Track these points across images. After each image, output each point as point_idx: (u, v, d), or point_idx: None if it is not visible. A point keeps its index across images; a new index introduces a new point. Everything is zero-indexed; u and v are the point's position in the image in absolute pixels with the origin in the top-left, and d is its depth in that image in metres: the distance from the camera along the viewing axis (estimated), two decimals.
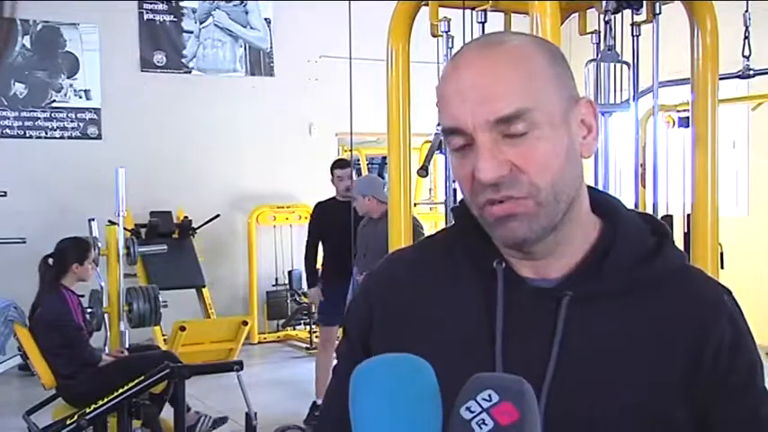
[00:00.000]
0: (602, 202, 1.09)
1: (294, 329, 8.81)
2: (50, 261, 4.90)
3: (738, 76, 4.57)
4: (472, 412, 0.78)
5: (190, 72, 8.70)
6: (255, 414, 4.36)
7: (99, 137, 8.29)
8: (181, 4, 8.64)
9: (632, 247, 1.04)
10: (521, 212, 0.98)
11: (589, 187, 1.08)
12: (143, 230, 7.80)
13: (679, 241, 4.55)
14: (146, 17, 8.50)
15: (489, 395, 0.78)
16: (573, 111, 1.02)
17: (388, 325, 1.10)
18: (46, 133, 8.11)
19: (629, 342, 1.01)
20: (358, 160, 9.87)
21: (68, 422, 4.14)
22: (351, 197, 5.63)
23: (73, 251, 4.90)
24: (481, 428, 0.77)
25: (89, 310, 5.35)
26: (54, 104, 8.13)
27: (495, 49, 0.99)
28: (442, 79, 1.02)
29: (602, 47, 3.53)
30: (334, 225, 5.69)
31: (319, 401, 5.68)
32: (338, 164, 6.12)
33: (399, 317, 1.10)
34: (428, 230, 6.03)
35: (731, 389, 1.02)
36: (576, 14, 3.86)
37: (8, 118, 7.96)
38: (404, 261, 1.19)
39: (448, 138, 1.00)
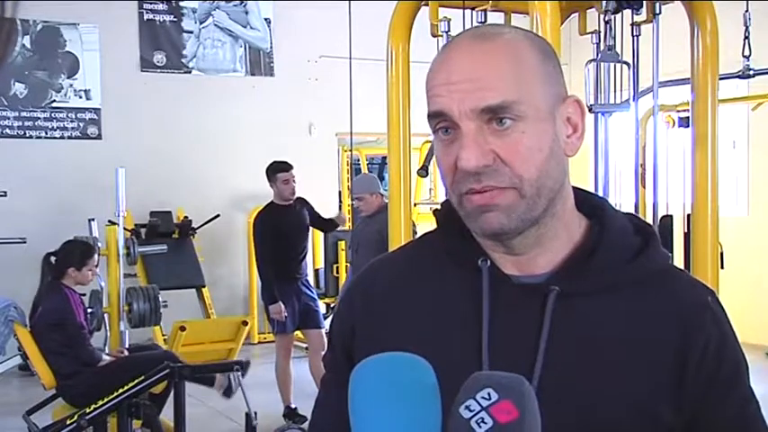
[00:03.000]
0: (587, 201, 1.09)
1: None
2: (52, 259, 4.91)
3: (738, 76, 4.57)
4: (471, 411, 0.78)
5: (190, 72, 8.70)
6: (255, 414, 4.37)
7: (99, 137, 8.29)
8: (181, 4, 8.64)
9: (619, 245, 1.05)
10: (501, 203, 0.98)
11: (575, 187, 1.08)
12: (143, 230, 7.80)
13: (679, 241, 4.55)
14: (146, 17, 8.50)
15: (488, 393, 0.78)
16: (559, 108, 1.02)
17: (372, 329, 1.10)
18: (46, 133, 8.11)
19: (616, 340, 1.02)
20: (358, 160, 9.88)
21: (68, 422, 4.14)
22: (291, 200, 5.66)
23: (74, 255, 4.90)
24: (480, 427, 0.77)
25: (89, 310, 5.35)
26: (54, 104, 8.13)
27: (487, 41, 1.00)
28: (433, 65, 1.02)
29: (602, 47, 3.54)
30: (282, 231, 5.62)
31: (293, 405, 5.73)
32: (282, 167, 5.73)
33: (383, 320, 1.10)
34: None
35: (717, 389, 1.02)
36: (576, 14, 3.86)
37: (8, 118, 7.96)
38: (386, 265, 1.19)
39: (432, 122, 1.01)
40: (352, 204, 9.30)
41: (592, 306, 1.02)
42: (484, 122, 0.97)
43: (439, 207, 1.15)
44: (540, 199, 0.99)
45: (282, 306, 5.56)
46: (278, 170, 5.70)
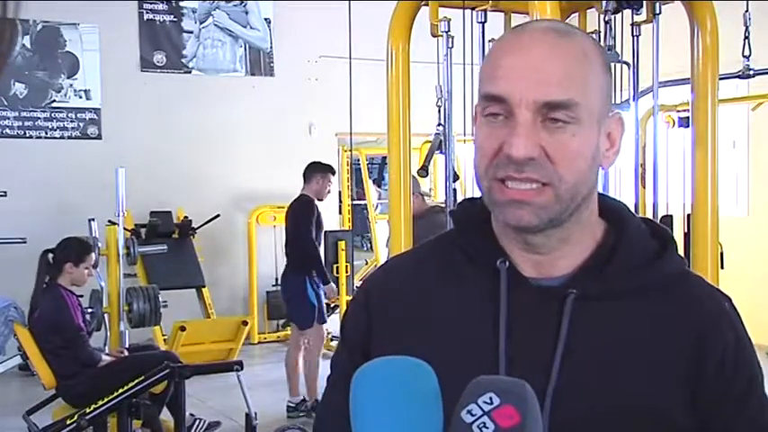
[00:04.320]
0: (607, 206, 1.10)
1: None
2: (50, 257, 4.90)
3: (738, 76, 4.56)
4: (473, 415, 0.77)
5: (190, 72, 8.70)
6: (255, 414, 4.37)
7: (99, 137, 8.29)
8: (181, 4, 8.63)
9: (636, 249, 1.05)
10: (535, 202, 0.98)
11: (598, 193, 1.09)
12: (143, 230, 7.79)
13: (679, 241, 4.55)
14: (146, 17, 8.50)
15: (490, 398, 0.78)
16: (605, 120, 1.03)
17: (390, 330, 1.09)
18: (46, 133, 8.10)
19: (633, 344, 1.02)
20: (358, 160, 9.87)
21: (68, 422, 4.14)
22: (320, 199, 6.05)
23: (71, 250, 4.90)
24: None
25: (89, 311, 5.35)
26: (54, 104, 8.13)
27: (563, 37, 1.00)
28: (500, 46, 1.02)
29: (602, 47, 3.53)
30: (317, 224, 6.01)
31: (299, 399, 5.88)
32: (333, 169, 6.37)
33: (401, 321, 1.09)
34: None
35: (733, 396, 1.02)
36: (576, 14, 3.86)
37: (8, 118, 7.95)
38: (402, 266, 1.19)
39: (485, 103, 1.00)
40: (352, 204, 9.33)
41: (609, 309, 1.02)
42: (539, 116, 0.97)
43: (456, 208, 1.15)
44: (572, 203, 1.00)
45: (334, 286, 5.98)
46: (331, 171, 6.25)
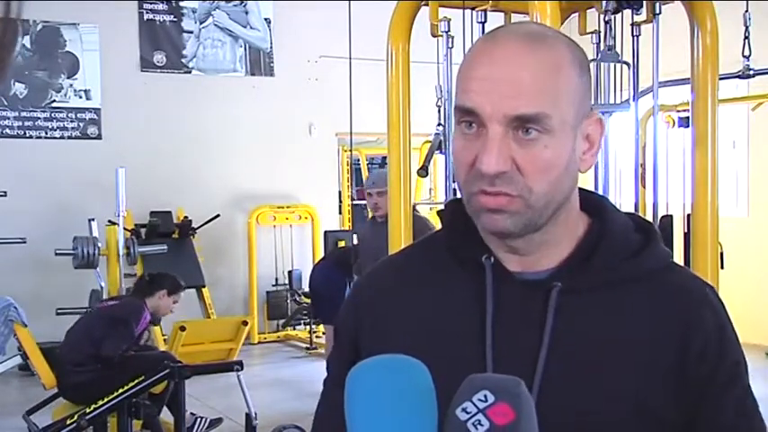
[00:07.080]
0: (588, 200, 1.10)
1: (294, 329, 8.82)
2: (147, 277, 5.18)
3: (738, 76, 4.57)
4: (468, 413, 0.78)
5: (190, 72, 8.70)
6: (256, 414, 4.37)
7: (99, 137, 8.29)
8: (181, 4, 8.64)
9: (619, 243, 1.06)
10: (508, 209, 0.99)
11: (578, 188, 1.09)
12: (143, 230, 7.80)
13: (679, 241, 4.55)
14: (146, 17, 8.50)
15: (485, 396, 0.78)
16: (582, 124, 1.03)
17: (377, 327, 1.11)
18: (46, 133, 8.10)
19: (618, 335, 1.03)
20: (358, 160, 9.88)
21: (68, 422, 4.15)
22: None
23: (170, 281, 5.14)
24: (477, 429, 0.77)
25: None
26: (54, 104, 8.13)
27: (535, 43, 0.98)
28: (472, 57, 1.01)
29: (602, 47, 3.54)
30: None
31: None
32: None
33: (388, 317, 1.11)
34: None
35: (717, 385, 1.03)
36: (576, 14, 3.86)
37: (8, 118, 7.95)
38: (392, 264, 1.21)
39: (459, 114, 1.00)
40: (352, 204, 9.34)
41: (594, 302, 1.03)
42: (511, 128, 0.97)
43: (443, 207, 1.15)
44: (546, 210, 1.01)
45: None
46: None
